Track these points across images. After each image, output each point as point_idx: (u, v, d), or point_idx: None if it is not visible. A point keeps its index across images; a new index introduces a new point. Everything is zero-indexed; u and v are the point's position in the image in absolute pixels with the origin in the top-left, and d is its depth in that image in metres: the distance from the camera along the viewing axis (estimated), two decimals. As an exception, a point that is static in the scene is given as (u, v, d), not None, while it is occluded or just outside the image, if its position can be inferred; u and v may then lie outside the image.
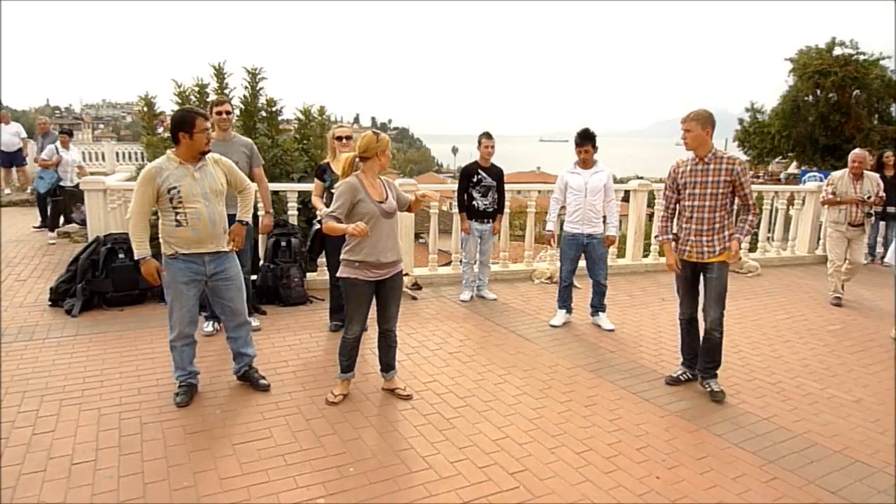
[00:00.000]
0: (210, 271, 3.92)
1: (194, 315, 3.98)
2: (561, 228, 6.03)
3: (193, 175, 3.78)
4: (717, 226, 4.19)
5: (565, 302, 5.95)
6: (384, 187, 3.97)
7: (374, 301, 4.07)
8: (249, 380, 4.20)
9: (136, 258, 3.82)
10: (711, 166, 4.15)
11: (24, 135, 13.87)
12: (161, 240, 3.87)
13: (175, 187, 3.72)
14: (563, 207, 5.92)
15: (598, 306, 5.92)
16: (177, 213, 3.74)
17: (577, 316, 6.09)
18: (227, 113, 5.20)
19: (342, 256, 3.95)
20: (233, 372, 4.26)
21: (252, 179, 5.38)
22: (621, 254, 8.61)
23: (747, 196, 4.19)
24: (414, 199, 4.12)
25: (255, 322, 5.46)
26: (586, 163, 5.74)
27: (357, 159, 3.90)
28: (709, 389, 4.34)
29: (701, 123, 4.13)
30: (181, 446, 3.45)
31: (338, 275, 4.04)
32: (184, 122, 3.73)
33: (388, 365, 4.22)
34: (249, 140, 5.46)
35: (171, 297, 3.90)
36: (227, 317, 4.14)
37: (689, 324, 4.53)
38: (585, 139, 5.71)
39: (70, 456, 3.32)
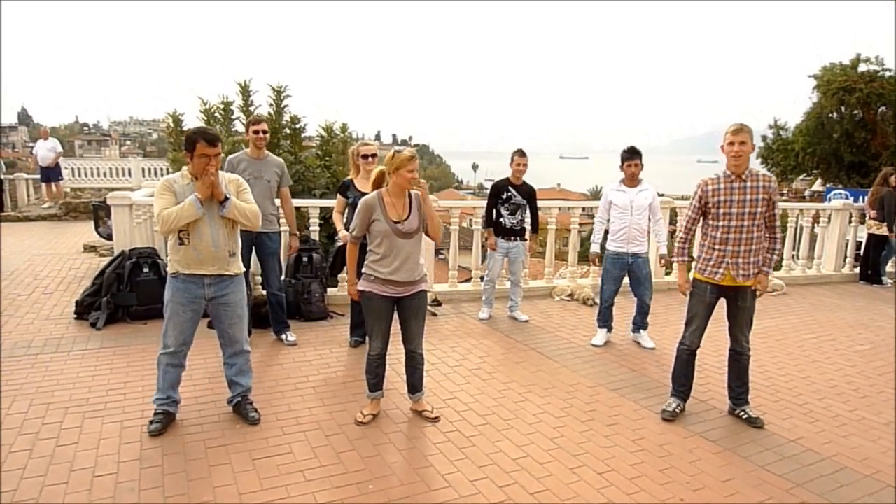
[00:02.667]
0: (209, 294, 3.81)
1: (188, 337, 3.87)
2: (603, 248, 5.95)
3: None
4: (754, 247, 3.97)
5: (606, 321, 5.87)
6: (410, 206, 3.88)
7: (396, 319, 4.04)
8: (240, 412, 4.01)
9: (196, 207, 3.58)
10: (749, 184, 3.92)
11: (58, 150, 14.18)
12: (168, 258, 3.84)
13: (181, 203, 3.65)
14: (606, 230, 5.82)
15: (640, 324, 5.86)
16: (181, 231, 3.67)
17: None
18: (264, 132, 5.32)
19: (363, 269, 3.96)
20: (227, 401, 4.11)
21: (280, 198, 5.45)
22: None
23: (775, 217, 4.00)
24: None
25: (291, 337, 5.52)
26: (633, 178, 5.66)
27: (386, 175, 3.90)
28: (745, 417, 4.19)
29: (751, 137, 3.92)
30: (201, 460, 3.46)
31: (357, 287, 4.03)
32: (187, 143, 3.66)
33: (413, 386, 4.16)
34: (281, 160, 5.59)
35: (167, 315, 3.81)
36: (224, 343, 4.01)
37: (691, 355, 4.27)
38: (633, 154, 5.62)
39: (92, 468, 3.34)
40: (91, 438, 3.67)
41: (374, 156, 5.30)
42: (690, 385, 4.33)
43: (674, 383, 4.35)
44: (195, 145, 3.62)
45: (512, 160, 6.31)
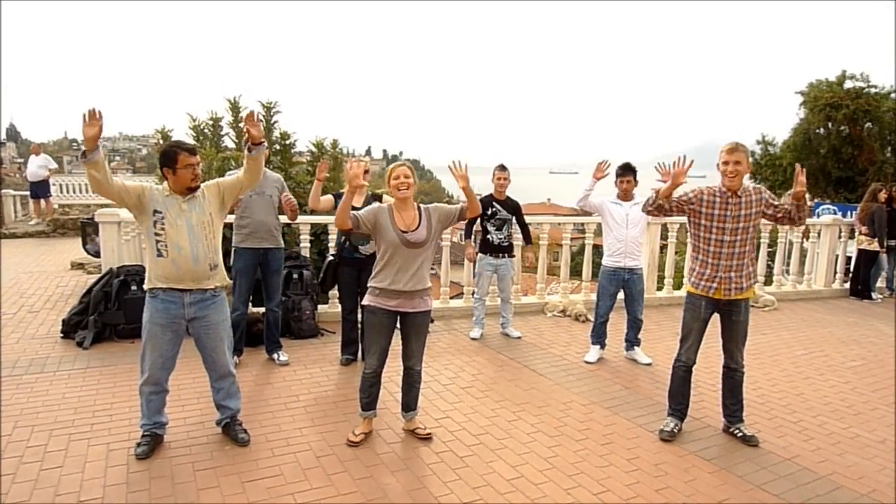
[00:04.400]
0: (190, 315, 3.68)
1: (169, 361, 3.75)
2: (596, 265, 5.98)
3: (181, 206, 3.62)
4: (746, 260, 3.99)
5: (600, 338, 5.86)
6: (419, 218, 3.84)
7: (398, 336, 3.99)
8: (229, 433, 3.93)
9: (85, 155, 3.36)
10: (744, 199, 3.94)
11: (52, 166, 14.08)
12: (146, 275, 3.74)
13: (160, 211, 3.57)
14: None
15: (633, 341, 5.86)
16: (158, 242, 3.57)
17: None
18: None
19: (368, 284, 3.91)
20: (215, 422, 4.02)
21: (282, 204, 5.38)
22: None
23: (779, 205, 3.95)
24: (464, 202, 3.91)
25: (283, 357, 5.44)
26: (627, 194, 5.71)
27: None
28: (741, 435, 4.15)
29: (747, 157, 3.94)
30: (190, 483, 3.39)
31: (363, 302, 3.98)
32: (167, 158, 3.59)
33: (407, 405, 4.10)
34: (278, 175, 5.58)
35: (145, 338, 3.69)
36: (208, 366, 3.90)
37: (687, 371, 4.25)
38: (627, 170, 5.71)
39: (77, 493, 3.26)
40: (76, 461, 3.58)
41: (365, 172, 5.30)
42: (687, 403, 4.30)
43: (671, 402, 4.32)
44: (177, 158, 3.57)
45: (493, 175, 6.35)
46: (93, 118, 3.32)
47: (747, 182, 4.08)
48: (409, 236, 3.77)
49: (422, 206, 3.94)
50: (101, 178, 3.42)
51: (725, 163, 3.93)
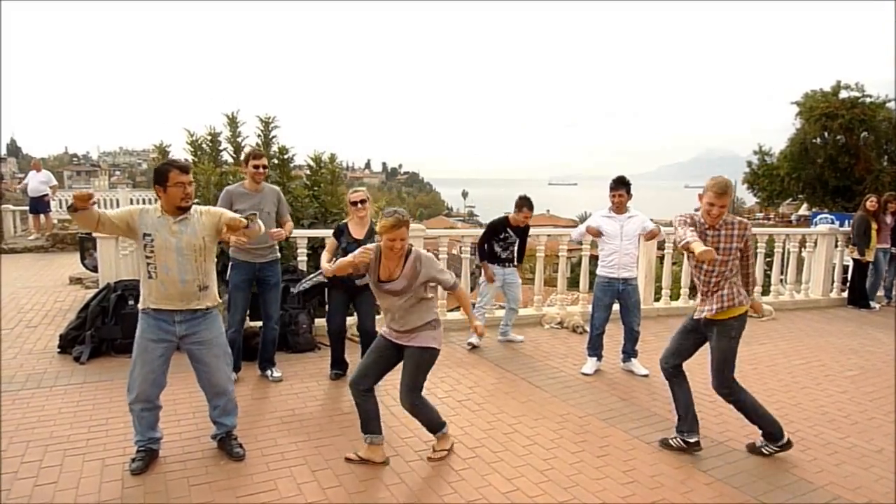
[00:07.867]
0: (181, 332, 3.68)
1: (159, 378, 3.72)
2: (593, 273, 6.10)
3: (171, 228, 3.60)
4: (724, 280, 3.94)
5: (596, 350, 5.88)
6: (403, 268, 3.72)
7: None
8: (224, 448, 3.92)
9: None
10: (723, 232, 3.88)
11: (53, 182, 14.14)
12: (141, 294, 3.74)
13: (150, 234, 3.57)
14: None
15: (630, 352, 5.88)
16: (148, 265, 3.59)
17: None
18: (264, 167, 5.23)
19: None
20: (210, 436, 4.02)
21: (281, 226, 5.31)
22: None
23: (748, 258, 4.04)
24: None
25: (276, 373, 5.41)
26: (620, 207, 5.77)
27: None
28: (768, 452, 4.10)
29: (730, 197, 3.87)
30: (184, 499, 3.39)
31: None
32: (159, 175, 3.60)
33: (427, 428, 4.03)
34: (276, 188, 5.50)
35: (135, 353, 3.67)
36: (202, 383, 3.88)
37: (668, 374, 4.23)
38: (620, 184, 5.79)
39: (71, 509, 3.26)
40: (71, 477, 3.58)
41: (363, 202, 5.25)
42: (688, 411, 4.16)
43: (676, 411, 4.25)
44: (167, 175, 3.57)
45: (520, 210, 6.43)
46: (87, 198, 3.43)
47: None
48: (385, 285, 3.74)
49: (413, 254, 3.74)
50: (88, 226, 3.60)
51: (711, 204, 3.83)
